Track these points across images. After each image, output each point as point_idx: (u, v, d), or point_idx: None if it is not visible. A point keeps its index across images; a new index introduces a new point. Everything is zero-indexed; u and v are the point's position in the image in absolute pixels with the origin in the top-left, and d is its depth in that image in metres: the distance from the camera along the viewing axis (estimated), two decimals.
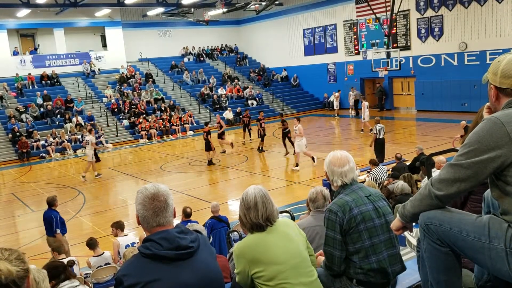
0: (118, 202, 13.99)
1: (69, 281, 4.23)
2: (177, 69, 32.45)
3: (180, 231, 2.23)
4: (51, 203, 9.07)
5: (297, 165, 15.48)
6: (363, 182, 7.94)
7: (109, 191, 15.41)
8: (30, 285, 1.97)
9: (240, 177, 15.32)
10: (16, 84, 26.57)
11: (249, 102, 30.22)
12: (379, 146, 14.49)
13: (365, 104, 21.30)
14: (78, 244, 10.06)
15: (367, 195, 2.92)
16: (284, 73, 34.00)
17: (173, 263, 2.14)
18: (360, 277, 2.82)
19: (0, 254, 1.89)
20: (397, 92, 27.80)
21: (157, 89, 29.35)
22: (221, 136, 19.46)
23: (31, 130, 23.07)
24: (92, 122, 24.76)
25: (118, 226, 8.16)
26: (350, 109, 27.73)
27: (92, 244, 7.52)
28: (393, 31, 24.93)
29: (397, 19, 24.85)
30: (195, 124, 26.86)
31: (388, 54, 23.42)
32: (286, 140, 17.92)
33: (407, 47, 25.69)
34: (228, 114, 27.71)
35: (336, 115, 27.74)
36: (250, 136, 22.02)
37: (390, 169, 11.09)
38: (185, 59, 34.15)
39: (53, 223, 8.89)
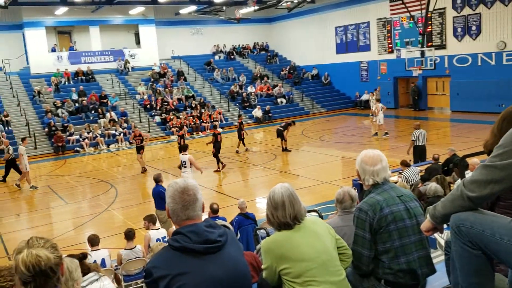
0: (149, 197, 14.17)
1: (90, 274, 4.30)
2: (210, 66, 32.65)
3: (209, 225, 2.27)
4: (158, 179, 9.85)
5: None
6: (395, 183, 7.83)
7: (140, 186, 15.67)
8: (64, 273, 2.04)
9: (268, 175, 15.33)
10: (52, 80, 27.29)
11: (278, 100, 30.19)
12: (418, 153, 13.31)
13: (379, 106, 20.41)
14: (109, 236, 10.28)
15: (399, 195, 2.87)
16: (314, 71, 33.80)
17: (201, 256, 2.18)
18: (388, 278, 2.79)
19: (36, 242, 1.96)
20: (432, 92, 27.25)
21: (188, 87, 29.65)
22: (139, 151, 17.01)
23: (66, 124, 23.69)
24: (125, 117, 25.23)
25: (151, 220, 8.26)
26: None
27: (130, 235, 7.61)
28: (428, 29, 24.44)
29: (432, 17, 24.35)
30: (224, 122, 27.02)
31: (422, 53, 22.98)
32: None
33: (442, 46, 25.13)
34: (257, 112, 27.76)
35: (371, 114, 27.01)
36: (244, 145, 19.43)
37: (423, 170, 10.89)
38: (216, 57, 34.37)
39: (164, 198, 9.43)
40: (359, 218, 2.81)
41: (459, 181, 7.64)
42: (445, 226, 2.33)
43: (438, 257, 3.85)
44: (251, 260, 4.36)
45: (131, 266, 7.32)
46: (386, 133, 20.20)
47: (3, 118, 23.41)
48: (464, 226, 2.08)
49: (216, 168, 16.18)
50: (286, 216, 2.68)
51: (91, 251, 7.26)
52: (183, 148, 12.57)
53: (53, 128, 23.12)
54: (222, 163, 16.39)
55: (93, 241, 7.39)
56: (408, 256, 2.78)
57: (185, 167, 12.11)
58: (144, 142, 17.27)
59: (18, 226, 12.19)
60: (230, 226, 4.32)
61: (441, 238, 2.69)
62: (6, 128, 23.05)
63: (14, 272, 1.96)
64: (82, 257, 5.49)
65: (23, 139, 17.00)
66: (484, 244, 2.05)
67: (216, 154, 16.38)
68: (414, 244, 2.80)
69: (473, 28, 23.83)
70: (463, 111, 24.47)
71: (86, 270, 4.44)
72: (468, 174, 7.45)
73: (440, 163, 10.81)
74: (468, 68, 24.28)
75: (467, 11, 23.96)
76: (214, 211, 8.24)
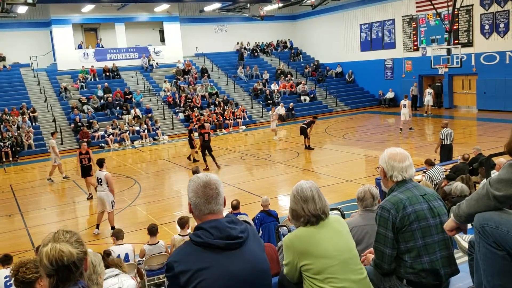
0: (172, 193, 14.35)
1: (110, 269, 4.37)
2: (242, 60, 32.71)
3: (230, 221, 2.28)
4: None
5: (112, 227, 10.39)
6: (419, 182, 7.71)
7: (163, 182, 15.83)
8: (88, 267, 2.07)
9: (290, 173, 15.30)
10: (78, 77, 27.74)
11: (302, 98, 30.08)
12: (446, 152, 13.19)
13: (402, 103, 20.66)
14: (132, 231, 10.42)
15: (422, 194, 2.84)
16: (338, 69, 33.55)
17: (223, 252, 2.19)
18: (410, 277, 2.76)
19: (61, 236, 1.99)
20: (458, 90, 26.75)
21: (211, 84, 29.78)
22: (89, 172, 13.67)
23: (91, 121, 24.07)
24: (150, 114, 25.50)
25: (180, 224, 8.06)
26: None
27: (153, 231, 7.67)
28: (455, 27, 23.99)
29: (459, 14, 23.89)
30: (247, 119, 27.06)
31: (448, 51, 22.57)
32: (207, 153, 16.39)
33: (469, 44, 24.66)
34: (280, 110, 27.72)
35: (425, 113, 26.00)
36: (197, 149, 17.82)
37: (448, 170, 10.71)
38: None
39: None
40: (381, 217, 2.78)
41: (484, 180, 7.50)
42: (469, 226, 2.29)
43: (462, 258, 3.78)
44: (270, 251, 4.36)
45: (153, 261, 7.41)
46: (401, 129, 20.41)
47: (31, 114, 23.93)
48: (489, 226, 2.05)
49: (205, 167, 16.18)
50: (317, 209, 2.69)
51: (116, 245, 7.38)
52: (99, 164, 10.86)
53: (79, 124, 23.54)
54: (207, 165, 16.30)
55: (118, 235, 7.50)
56: (431, 256, 2.74)
57: (101, 184, 10.59)
58: (91, 161, 13.79)
59: (44, 220, 12.44)
60: (251, 221, 4.32)
61: (463, 240, 2.64)
62: (34, 124, 23.58)
63: (39, 264, 2.00)
64: (106, 254, 5.58)
65: (52, 133, 17.42)
66: (509, 245, 2.01)
67: (203, 153, 16.45)
68: (437, 244, 2.77)
69: (501, 25, 23.31)
70: (490, 110, 23.99)
71: (106, 266, 4.52)
72: (494, 174, 7.29)
73: (467, 163, 10.61)
74: (496, 66, 23.77)
75: (495, 8, 23.44)
76: (233, 207, 8.27)
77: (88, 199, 13.76)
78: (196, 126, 20.37)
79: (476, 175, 10.07)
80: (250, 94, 29.79)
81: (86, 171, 13.70)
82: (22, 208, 13.32)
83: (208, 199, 2.27)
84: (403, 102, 20.80)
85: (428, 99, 25.45)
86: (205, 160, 16.47)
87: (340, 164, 15.82)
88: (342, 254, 2.65)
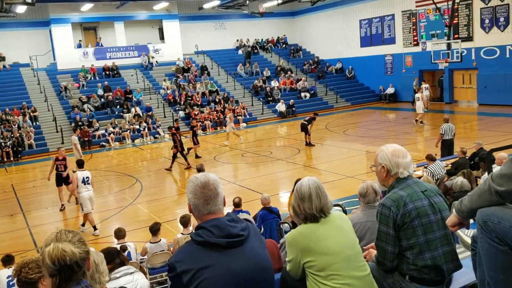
0: (174, 191, 14.36)
1: (125, 267, 4.36)
2: (249, 59, 32.64)
3: (231, 220, 2.28)
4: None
5: (83, 224, 11.17)
6: (420, 177, 7.70)
7: (165, 180, 15.83)
8: (90, 266, 2.07)
9: (292, 170, 15.29)
10: (79, 75, 27.73)
11: (302, 94, 30.04)
12: (447, 147, 13.19)
13: (416, 96, 21.37)
14: (134, 230, 10.43)
15: (423, 190, 2.82)
16: (338, 65, 33.49)
17: (224, 250, 2.19)
18: (413, 274, 2.75)
19: (64, 236, 2.00)
20: (458, 85, 26.72)
21: (211, 81, 29.76)
22: (66, 179, 12.80)
23: (92, 119, 24.07)
24: (150, 112, 25.49)
25: (182, 222, 8.09)
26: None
27: (155, 230, 7.67)
28: (455, 21, 23.95)
29: (459, 8, 23.83)
30: (247, 116, 27.05)
31: (448, 46, 22.52)
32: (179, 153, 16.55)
33: (469, 38, 24.60)
34: (281, 107, 27.70)
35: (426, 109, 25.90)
36: (185, 151, 17.35)
37: (450, 164, 10.71)
38: (239, 52, 34.38)
39: None
40: (382, 214, 2.77)
41: (485, 175, 7.49)
42: (471, 221, 2.29)
43: (464, 253, 3.78)
44: (271, 246, 4.35)
45: (156, 259, 7.42)
46: (421, 122, 21.17)
47: (31, 114, 23.93)
48: (491, 221, 2.04)
49: (186, 166, 16.47)
50: (312, 208, 2.69)
51: (117, 244, 7.38)
52: (79, 164, 11.11)
53: (80, 123, 23.54)
54: (169, 164, 16.47)
55: (119, 234, 7.50)
56: (433, 252, 2.73)
57: (89, 183, 10.88)
58: (67, 169, 12.79)
59: (46, 219, 12.45)
60: (252, 220, 4.34)
61: (466, 235, 2.63)
62: (34, 123, 23.58)
63: (41, 264, 2.00)
64: (123, 249, 5.58)
65: (74, 130, 18.16)
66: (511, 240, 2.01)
67: (181, 153, 16.58)
68: (439, 240, 2.76)
69: (501, 19, 23.25)
70: (490, 104, 23.96)
71: (121, 263, 4.52)
72: (495, 168, 7.29)
73: (467, 157, 10.61)
74: (496, 60, 23.73)
75: (495, 2, 23.38)
76: (236, 205, 8.26)
77: (61, 210, 12.74)
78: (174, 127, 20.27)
79: (477, 169, 10.08)
80: (250, 91, 29.76)
81: (62, 179, 12.69)
82: (24, 208, 13.34)
83: (207, 200, 2.27)
84: (417, 95, 21.33)
85: (426, 94, 25.38)
86: (186, 159, 16.64)
87: (341, 160, 15.81)
88: (345, 251, 2.65)
